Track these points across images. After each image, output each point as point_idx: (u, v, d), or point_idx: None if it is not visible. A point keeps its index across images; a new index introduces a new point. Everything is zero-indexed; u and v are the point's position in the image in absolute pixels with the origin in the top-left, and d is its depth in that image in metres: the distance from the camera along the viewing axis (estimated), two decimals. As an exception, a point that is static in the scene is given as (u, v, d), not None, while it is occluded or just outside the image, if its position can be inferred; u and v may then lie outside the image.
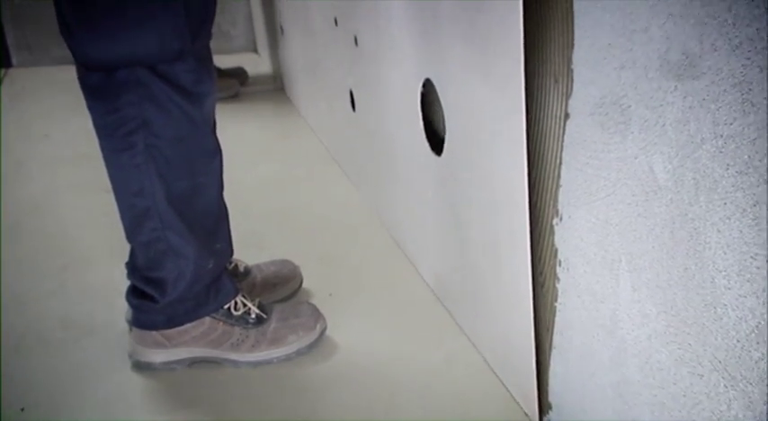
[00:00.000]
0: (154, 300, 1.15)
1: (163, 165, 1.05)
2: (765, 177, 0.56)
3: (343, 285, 1.43)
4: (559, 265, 0.94)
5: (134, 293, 1.17)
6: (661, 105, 0.69)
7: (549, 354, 1.01)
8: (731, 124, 0.60)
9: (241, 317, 1.19)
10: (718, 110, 0.61)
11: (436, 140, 1.26)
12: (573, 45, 0.83)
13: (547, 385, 1.03)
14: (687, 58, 0.64)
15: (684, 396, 0.72)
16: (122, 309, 1.28)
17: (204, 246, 1.13)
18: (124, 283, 1.28)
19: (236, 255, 1.29)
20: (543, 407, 1.05)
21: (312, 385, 1.15)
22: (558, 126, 0.90)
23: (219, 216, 1.18)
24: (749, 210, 0.58)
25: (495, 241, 1.06)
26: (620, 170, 0.77)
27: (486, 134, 1.01)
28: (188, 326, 1.17)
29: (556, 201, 0.93)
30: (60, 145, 2.16)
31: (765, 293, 0.58)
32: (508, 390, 1.12)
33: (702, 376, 0.69)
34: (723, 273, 0.63)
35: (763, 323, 0.59)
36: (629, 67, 0.73)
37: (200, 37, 1.04)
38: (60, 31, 1.01)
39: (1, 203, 1.77)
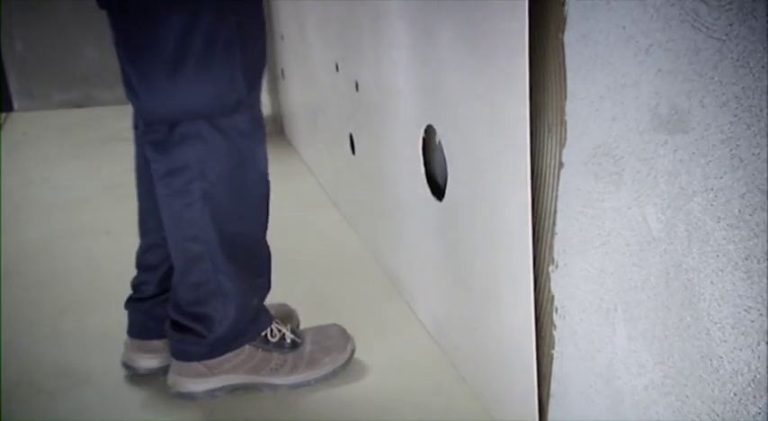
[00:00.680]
0: (198, 335, 1.16)
1: (218, 212, 1.09)
2: (756, 231, 0.57)
3: (341, 330, 1.42)
4: (556, 313, 0.94)
5: (175, 327, 1.18)
6: (652, 157, 0.70)
7: (547, 403, 1.00)
8: (721, 178, 0.61)
9: (278, 342, 1.22)
10: (707, 164, 0.62)
11: (437, 185, 1.27)
12: (566, 96, 0.84)
13: (546, 434, 1.03)
14: (676, 112, 0.65)
15: (684, 448, 0.72)
16: (118, 355, 1.27)
17: (250, 284, 1.17)
18: (121, 329, 1.28)
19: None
20: (543, 456, 1.04)
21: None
22: (552, 175, 0.91)
23: (263, 253, 1.21)
24: (741, 263, 0.59)
25: (496, 287, 1.07)
26: (614, 220, 0.78)
27: (490, 181, 1.02)
28: (228, 355, 1.19)
29: (551, 248, 0.93)
30: (59, 189, 2.17)
31: (761, 347, 0.58)
32: (507, 439, 1.11)
33: (701, 428, 0.68)
34: (718, 325, 0.63)
35: (759, 377, 0.59)
36: (621, 119, 0.75)
37: (255, 88, 1.08)
38: (125, 93, 1.05)
39: (0, 248, 1.78)
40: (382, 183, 1.56)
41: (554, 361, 0.97)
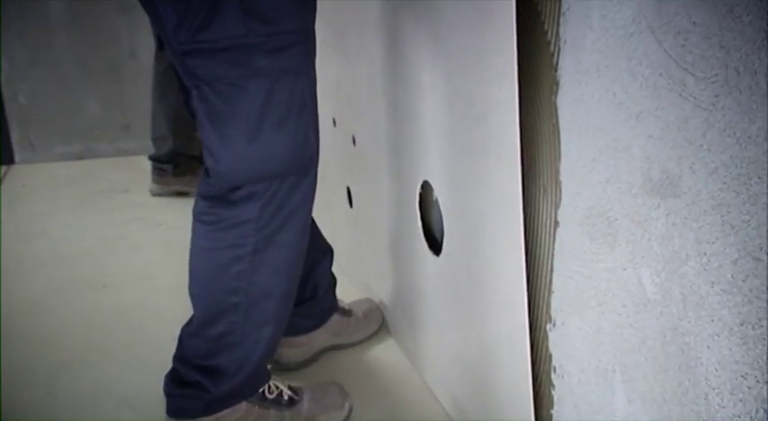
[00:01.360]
0: (202, 389, 1.15)
1: (267, 268, 1.10)
2: (750, 298, 0.57)
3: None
4: (554, 372, 0.94)
5: (174, 382, 1.17)
6: (646, 220, 0.71)
7: (549, 464, 0.99)
8: (713, 243, 0.61)
9: (275, 399, 1.21)
10: (700, 229, 0.63)
11: (434, 239, 1.28)
12: (560, 157, 0.86)
13: (547, 496, 1.01)
14: (668, 177, 0.67)
15: None
16: (114, 416, 1.25)
17: (271, 337, 1.16)
18: (117, 388, 1.26)
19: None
20: None
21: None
22: (548, 234, 0.92)
23: (290, 305, 1.21)
24: (737, 329, 0.59)
25: (494, 344, 1.06)
26: (609, 280, 0.79)
27: (485, 238, 1.03)
28: (225, 412, 1.17)
29: (549, 306, 0.94)
30: (58, 242, 2.17)
31: (759, 414, 0.58)
32: None
33: (703, 495, 0.67)
34: (716, 390, 0.63)
35: (758, 444, 0.59)
36: (614, 181, 0.76)
37: (318, 144, 1.12)
38: (204, 157, 1.06)
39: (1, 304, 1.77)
40: (380, 236, 1.56)
41: (553, 421, 0.96)
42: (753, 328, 0.57)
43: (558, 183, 0.87)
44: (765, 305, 0.55)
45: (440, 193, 1.18)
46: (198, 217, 1.11)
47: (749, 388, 0.59)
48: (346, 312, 1.49)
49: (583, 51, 0.78)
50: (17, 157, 2.81)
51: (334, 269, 1.50)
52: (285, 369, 1.39)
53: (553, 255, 0.91)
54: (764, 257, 0.55)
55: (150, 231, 2.18)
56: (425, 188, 1.28)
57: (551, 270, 0.92)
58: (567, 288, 0.88)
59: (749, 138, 0.55)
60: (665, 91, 0.65)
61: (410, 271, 1.39)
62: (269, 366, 1.25)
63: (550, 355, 0.94)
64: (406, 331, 1.49)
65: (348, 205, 1.81)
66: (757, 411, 0.58)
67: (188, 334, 1.16)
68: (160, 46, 2.20)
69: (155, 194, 2.42)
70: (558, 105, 0.85)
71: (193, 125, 1.12)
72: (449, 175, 1.13)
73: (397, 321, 1.54)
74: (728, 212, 0.59)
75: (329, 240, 1.53)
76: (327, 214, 2.09)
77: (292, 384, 1.27)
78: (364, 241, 1.72)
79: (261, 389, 1.20)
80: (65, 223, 2.31)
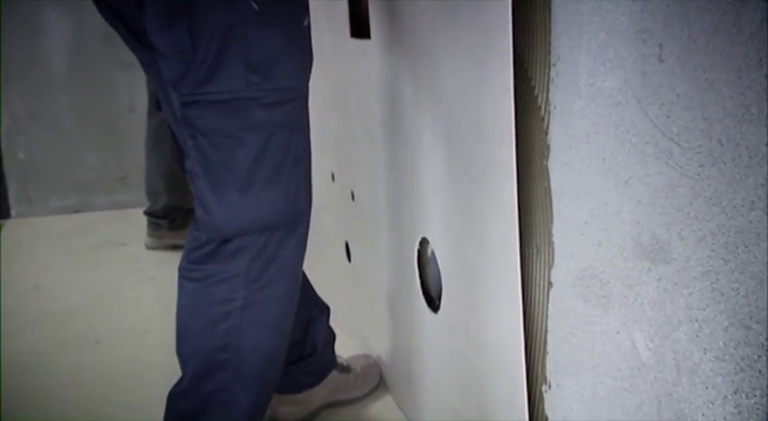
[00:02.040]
0: None
1: (256, 323, 1.08)
2: (742, 366, 0.58)
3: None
4: (551, 435, 0.93)
5: None
6: (638, 284, 0.72)
7: None
8: (704, 310, 0.62)
9: None
10: (690, 295, 0.63)
11: (431, 296, 1.28)
12: (552, 220, 0.87)
13: None
14: (657, 243, 0.67)
15: None
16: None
17: (264, 398, 1.14)
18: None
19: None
20: None
21: None
22: (542, 294, 0.92)
23: (281, 365, 1.19)
24: (731, 397, 0.59)
25: (492, 406, 1.05)
26: (603, 343, 0.79)
27: (482, 297, 1.03)
28: None
29: (544, 367, 0.93)
30: (50, 297, 2.16)
31: (756, 485, 0.58)
32: None
33: None
34: (712, 458, 0.62)
35: None
36: (606, 244, 0.77)
37: (311, 197, 1.12)
38: (195, 208, 1.06)
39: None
40: (378, 291, 1.56)
41: (551, 486, 0.94)
42: (747, 397, 0.57)
43: (551, 245, 0.88)
44: (758, 374, 0.56)
45: (438, 250, 1.19)
46: (184, 274, 1.10)
47: (745, 457, 0.58)
48: (345, 368, 1.48)
49: (572, 117, 0.80)
50: (13, 212, 2.81)
51: (332, 324, 1.49)
52: None
53: (547, 315, 0.91)
54: (754, 325, 0.56)
55: (144, 285, 2.18)
56: (423, 244, 1.28)
57: (546, 330, 0.92)
58: (562, 349, 0.88)
59: (734, 208, 0.56)
60: (652, 159, 0.66)
61: (408, 327, 1.39)
62: None
63: (546, 418, 0.93)
64: (404, 388, 1.48)
65: (347, 260, 1.81)
66: (754, 482, 0.58)
67: (177, 394, 1.15)
68: (157, 105, 2.24)
69: (150, 248, 2.42)
70: (549, 169, 0.86)
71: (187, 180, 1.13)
72: (447, 233, 1.13)
73: (396, 378, 1.52)
74: (718, 280, 0.59)
75: (327, 294, 1.53)
76: (326, 268, 2.09)
77: None
78: (363, 296, 1.71)
79: None
80: (59, 278, 2.30)
